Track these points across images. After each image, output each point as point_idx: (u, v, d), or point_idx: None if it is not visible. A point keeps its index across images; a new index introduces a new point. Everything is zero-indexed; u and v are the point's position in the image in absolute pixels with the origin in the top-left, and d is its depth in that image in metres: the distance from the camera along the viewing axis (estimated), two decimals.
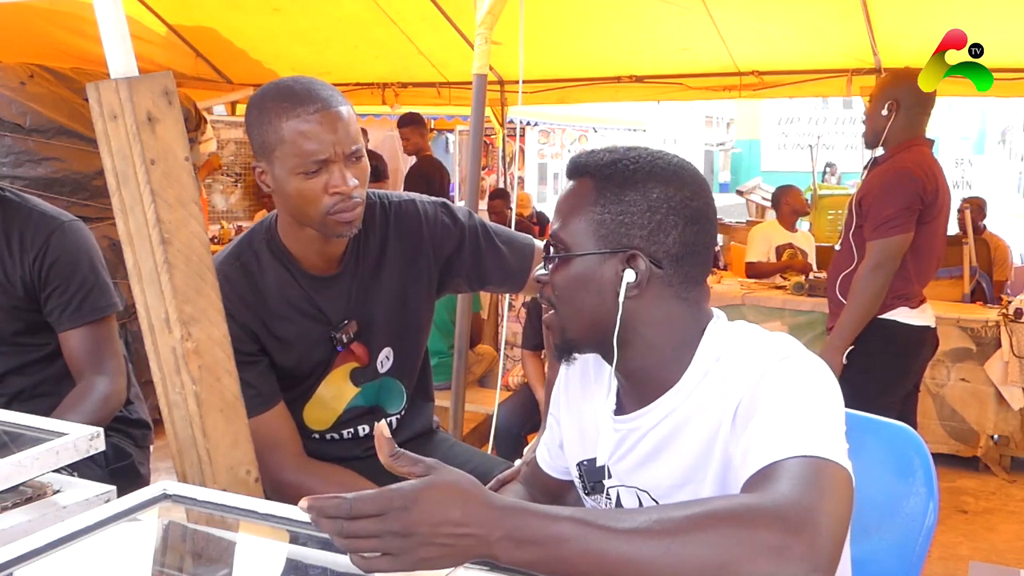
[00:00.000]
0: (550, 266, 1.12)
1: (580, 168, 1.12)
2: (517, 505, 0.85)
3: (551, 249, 1.12)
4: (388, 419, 1.71)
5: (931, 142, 2.77)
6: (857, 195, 2.80)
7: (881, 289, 2.67)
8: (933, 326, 2.83)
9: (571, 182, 1.14)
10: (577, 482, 1.24)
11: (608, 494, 1.18)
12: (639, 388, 1.12)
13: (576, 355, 1.17)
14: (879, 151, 2.83)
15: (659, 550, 0.80)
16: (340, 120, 1.41)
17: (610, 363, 1.12)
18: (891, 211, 2.62)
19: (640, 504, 1.13)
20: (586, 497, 1.23)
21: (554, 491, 1.37)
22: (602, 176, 1.09)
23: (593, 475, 1.19)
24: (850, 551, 1.14)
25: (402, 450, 0.88)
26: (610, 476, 1.16)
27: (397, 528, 0.81)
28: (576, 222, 1.09)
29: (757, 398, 0.98)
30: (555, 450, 1.34)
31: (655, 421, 1.10)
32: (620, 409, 1.16)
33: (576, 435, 1.24)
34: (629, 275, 1.06)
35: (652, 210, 1.06)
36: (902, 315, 2.73)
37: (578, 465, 1.23)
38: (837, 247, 2.96)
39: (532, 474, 1.42)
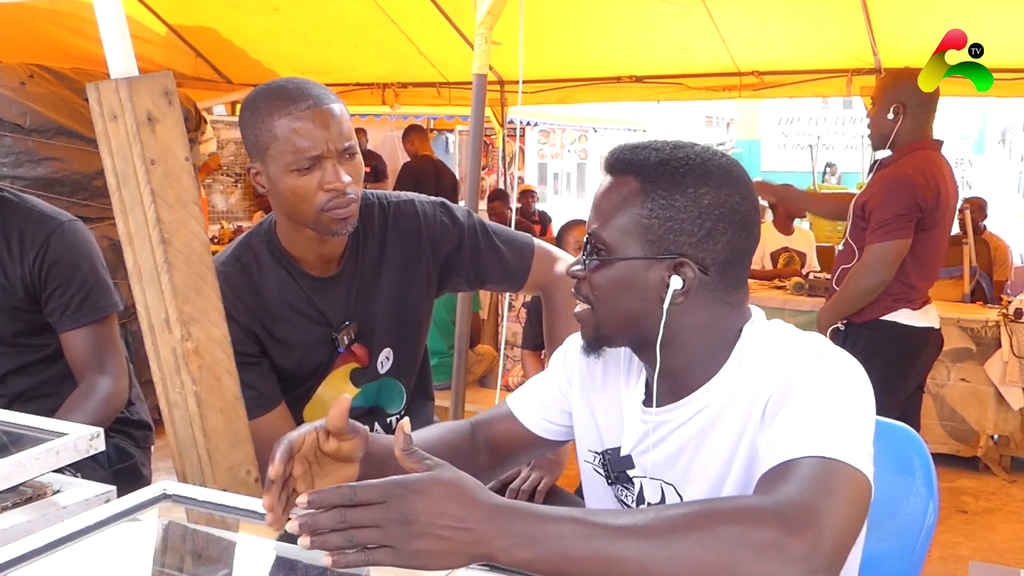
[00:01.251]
0: (587, 263, 1.09)
1: (624, 165, 1.07)
2: (516, 505, 0.85)
3: (590, 247, 1.09)
4: (388, 419, 1.71)
5: (939, 143, 2.76)
6: (860, 198, 2.79)
7: (871, 288, 2.70)
8: (936, 327, 2.84)
9: (611, 178, 1.09)
10: (596, 471, 1.23)
11: (631, 484, 1.17)
12: (671, 383, 1.11)
13: (606, 349, 1.15)
14: (881, 152, 2.83)
15: (657, 548, 0.80)
16: (332, 117, 1.42)
17: (652, 364, 1.10)
18: (888, 216, 2.64)
19: (663, 497, 1.13)
20: (609, 487, 1.22)
21: (510, 445, 1.32)
22: (649, 177, 1.05)
23: (618, 465, 1.18)
24: (860, 555, 1.13)
25: (415, 448, 0.89)
26: (634, 467, 1.16)
27: (397, 516, 0.81)
28: (620, 223, 1.06)
29: (788, 393, 0.98)
30: (554, 409, 1.30)
31: (688, 416, 1.09)
32: (648, 401, 1.15)
33: (592, 424, 1.24)
34: (676, 282, 1.04)
35: (703, 217, 1.03)
36: (903, 316, 2.74)
37: (601, 454, 1.22)
38: (839, 247, 2.97)
39: (487, 421, 1.35)
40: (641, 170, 1.06)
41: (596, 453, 1.23)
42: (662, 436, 1.12)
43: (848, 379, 0.99)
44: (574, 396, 1.28)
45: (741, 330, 1.09)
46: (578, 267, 1.11)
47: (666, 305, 1.04)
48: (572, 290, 1.14)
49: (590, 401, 1.25)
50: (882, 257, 2.66)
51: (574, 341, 1.30)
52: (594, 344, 1.13)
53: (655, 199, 1.04)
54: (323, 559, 0.83)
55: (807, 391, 0.97)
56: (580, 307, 1.13)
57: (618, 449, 1.18)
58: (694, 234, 1.04)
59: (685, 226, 1.03)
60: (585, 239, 1.11)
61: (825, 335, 2.64)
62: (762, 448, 0.97)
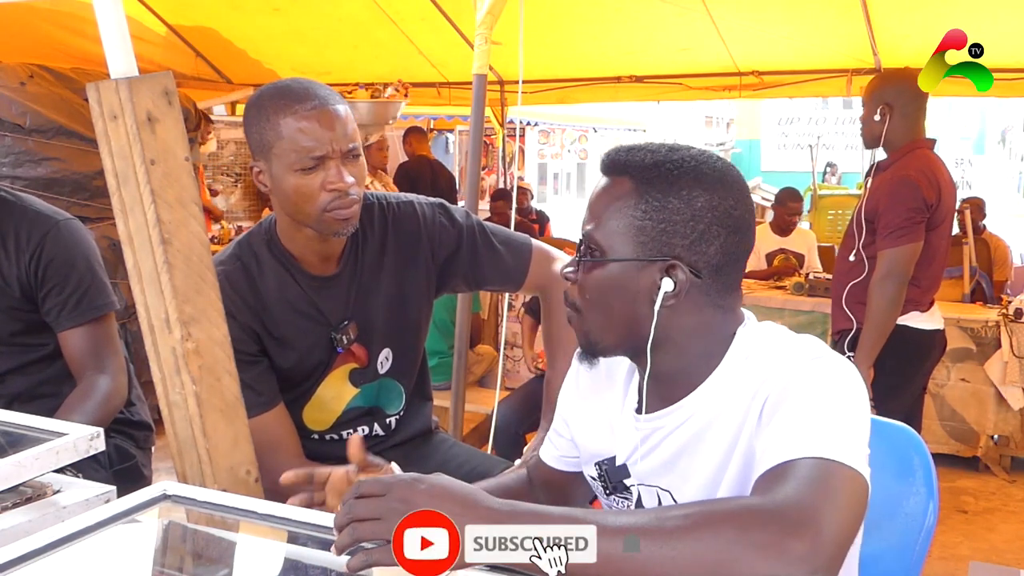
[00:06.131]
0: (580, 265, 1.09)
1: (619, 166, 1.07)
2: (517, 505, 0.85)
3: (583, 248, 1.09)
4: (387, 420, 1.71)
5: (932, 142, 2.75)
6: (864, 206, 2.75)
7: (895, 297, 2.63)
8: (942, 328, 2.82)
9: (607, 179, 1.09)
10: (595, 483, 1.23)
11: (629, 493, 1.17)
12: (662, 388, 1.10)
13: (600, 359, 1.13)
14: (880, 155, 2.82)
15: (657, 547, 0.80)
16: (337, 118, 1.42)
17: (642, 368, 1.10)
18: (898, 220, 2.60)
19: (660, 504, 1.13)
20: (606, 498, 1.21)
21: (558, 483, 1.35)
22: (644, 178, 1.04)
23: (615, 474, 1.18)
24: (859, 555, 1.13)
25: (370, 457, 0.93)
26: (630, 475, 1.15)
27: (398, 504, 0.82)
28: (613, 224, 1.05)
29: (784, 395, 0.98)
30: (562, 444, 1.32)
31: (680, 421, 1.09)
32: (641, 408, 1.14)
33: (590, 434, 1.23)
34: (667, 284, 1.03)
35: (696, 219, 1.03)
36: (914, 319, 2.71)
37: (597, 464, 1.21)
38: (851, 255, 2.88)
39: (534, 466, 1.40)
40: (636, 171, 1.06)
41: (596, 465, 1.23)
42: (655, 443, 1.12)
43: (843, 381, 0.99)
44: (574, 419, 1.28)
45: (734, 333, 1.09)
46: (571, 269, 1.11)
47: (656, 307, 1.04)
48: (563, 295, 1.13)
49: (588, 416, 1.25)
50: (899, 261, 2.61)
51: (573, 367, 1.30)
52: (588, 352, 1.12)
53: (649, 200, 1.04)
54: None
55: (803, 393, 0.97)
56: (569, 313, 1.12)
57: (614, 459, 1.18)
58: (687, 236, 1.03)
59: (678, 228, 1.03)
60: (579, 240, 1.10)
61: (867, 371, 2.61)
62: (759, 450, 0.97)
